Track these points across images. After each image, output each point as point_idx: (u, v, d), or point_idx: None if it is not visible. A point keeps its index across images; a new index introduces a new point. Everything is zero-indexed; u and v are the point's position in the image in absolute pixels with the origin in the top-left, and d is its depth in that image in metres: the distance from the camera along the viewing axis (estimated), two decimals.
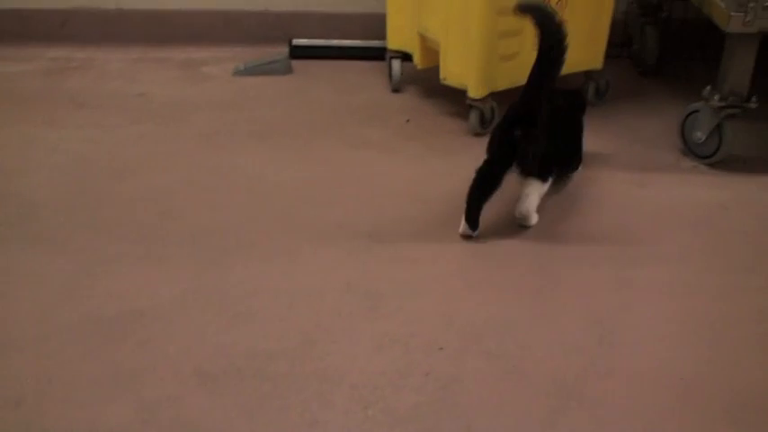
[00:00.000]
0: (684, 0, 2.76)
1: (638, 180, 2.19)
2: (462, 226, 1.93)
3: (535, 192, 1.96)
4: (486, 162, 1.92)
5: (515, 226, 1.98)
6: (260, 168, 2.20)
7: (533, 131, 1.87)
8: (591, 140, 2.36)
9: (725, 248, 1.94)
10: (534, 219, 1.98)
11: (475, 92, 2.32)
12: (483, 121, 2.37)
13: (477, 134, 2.37)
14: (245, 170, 2.19)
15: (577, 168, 2.17)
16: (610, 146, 2.35)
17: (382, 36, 2.63)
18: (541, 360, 1.59)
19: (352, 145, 2.32)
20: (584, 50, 2.47)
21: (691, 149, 2.28)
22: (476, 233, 1.93)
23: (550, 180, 1.99)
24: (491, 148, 1.94)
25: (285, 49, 2.83)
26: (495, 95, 2.36)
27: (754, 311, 1.74)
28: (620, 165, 2.27)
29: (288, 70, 2.75)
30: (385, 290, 1.76)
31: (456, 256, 1.88)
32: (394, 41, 2.60)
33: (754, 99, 2.17)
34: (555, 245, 1.93)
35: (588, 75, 2.55)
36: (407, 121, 2.46)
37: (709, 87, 2.20)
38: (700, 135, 2.23)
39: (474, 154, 2.25)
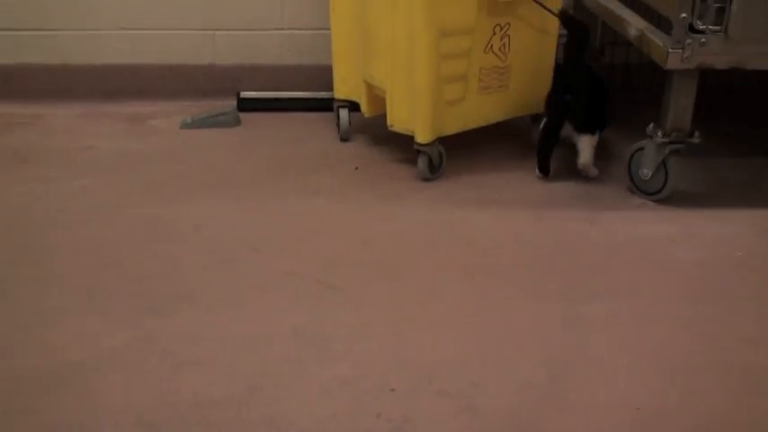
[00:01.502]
0: (626, 44, 2.81)
1: (588, 217, 2.19)
2: (537, 173, 2.38)
3: (588, 144, 2.34)
4: (546, 121, 2.38)
5: (463, 266, 1.96)
6: (207, 218, 2.15)
7: (580, 95, 2.31)
8: (540, 182, 2.37)
9: (675, 280, 1.94)
10: (594, 171, 2.38)
11: (422, 137, 2.31)
12: (432, 167, 2.35)
13: (427, 179, 2.35)
14: (191, 220, 2.14)
15: (606, 127, 2.44)
16: (559, 186, 2.36)
17: (330, 87, 2.63)
18: (495, 397, 1.55)
19: (300, 193, 2.29)
20: (529, 94, 2.49)
21: (638, 186, 2.29)
22: (548, 176, 2.37)
23: (598, 133, 2.36)
24: (549, 111, 2.38)
25: (233, 102, 2.81)
26: (443, 140, 2.35)
27: (707, 340, 1.73)
28: (570, 203, 2.27)
29: (236, 122, 2.73)
30: (334, 333, 1.72)
31: (406, 298, 1.85)
32: (341, 91, 2.59)
33: (696, 134, 2.18)
34: (505, 282, 1.91)
35: (535, 118, 2.56)
36: (356, 168, 2.44)
37: (652, 124, 2.21)
38: (646, 172, 2.24)
39: (423, 198, 2.26)
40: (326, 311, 1.79)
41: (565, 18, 2.37)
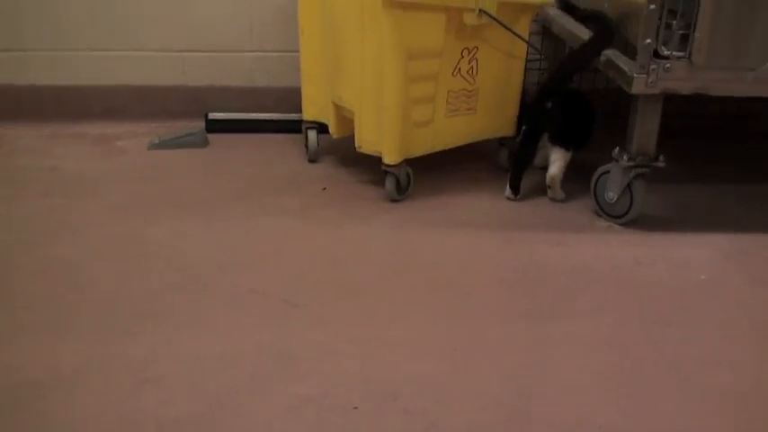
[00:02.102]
0: (593, 71, 2.84)
1: (555, 240, 2.20)
2: (507, 191, 2.39)
3: (561, 158, 2.35)
4: (523, 132, 2.36)
5: (430, 286, 1.96)
6: (173, 238, 2.14)
7: (561, 106, 2.32)
8: (507, 204, 2.39)
9: (639, 301, 1.95)
10: (560, 194, 2.39)
11: (389, 158, 2.32)
12: (399, 187, 2.36)
13: (394, 200, 2.36)
14: (157, 240, 2.13)
15: (582, 148, 2.42)
16: (526, 209, 2.37)
17: (299, 109, 2.63)
18: (459, 415, 1.54)
19: (267, 213, 2.29)
20: (496, 117, 2.51)
21: (604, 210, 2.30)
22: (517, 197, 2.38)
23: (571, 152, 2.36)
24: (527, 120, 2.37)
25: (201, 123, 2.80)
26: (410, 161, 2.36)
27: (670, 361, 1.73)
28: (537, 226, 2.28)
29: (204, 143, 2.72)
30: (299, 352, 1.70)
31: (372, 317, 1.84)
32: (309, 112, 2.60)
33: (661, 158, 2.21)
34: (472, 302, 1.91)
35: (502, 141, 2.58)
36: (324, 189, 2.44)
37: (618, 148, 2.23)
38: (611, 195, 2.26)
39: (390, 219, 2.27)
40: (292, 330, 1.78)
41: (595, 16, 2.35)
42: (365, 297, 1.91)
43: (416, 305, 1.89)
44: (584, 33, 2.43)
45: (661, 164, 2.21)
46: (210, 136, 2.76)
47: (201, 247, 2.10)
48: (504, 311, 1.88)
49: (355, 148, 2.39)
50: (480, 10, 2.26)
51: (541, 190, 2.42)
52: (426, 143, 2.39)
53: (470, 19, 2.27)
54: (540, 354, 1.74)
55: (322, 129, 2.57)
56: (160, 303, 1.85)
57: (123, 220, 2.22)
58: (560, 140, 2.36)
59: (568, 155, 2.37)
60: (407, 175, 2.37)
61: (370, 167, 2.45)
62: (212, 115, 2.83)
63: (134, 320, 1.78)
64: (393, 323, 1.83)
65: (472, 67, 2.38)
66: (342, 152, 2.61)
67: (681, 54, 2.06)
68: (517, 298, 1.94)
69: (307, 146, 2.62)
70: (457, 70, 2.35)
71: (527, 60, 2.53)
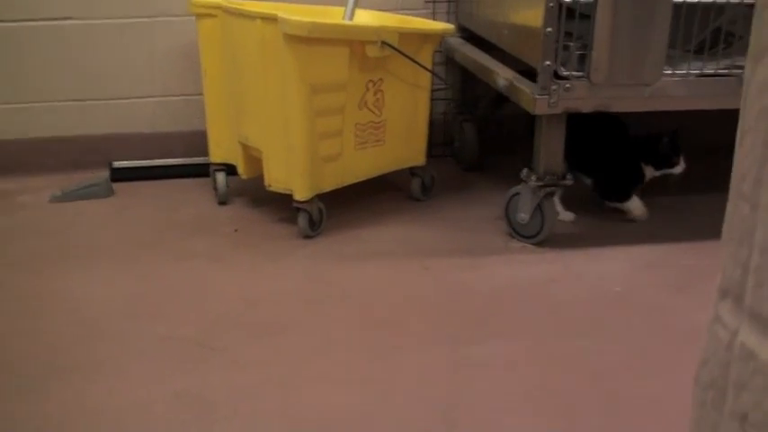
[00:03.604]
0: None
1: (470, 264, 2.22)
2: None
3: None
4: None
5: (349, 319, 1.95)
6: (81, 290, 2.08)
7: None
8: (422, 232, 2.40)
9: (558, 318, 1.97)
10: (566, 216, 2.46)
11: (300, 195, 2.31)
12: (312, 223, 2.35)
13: (308, 236, 2.35)
14: (64, 293, 2.07)
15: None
16: (439, 236, 2.39)
17: (206, 152, 2.61)
18: None
19: (178, 258, 2.25)
20: (405, 148, 2.53)
21: (517, 231, 2.34)
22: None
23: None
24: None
25: (106, 173, 2.75)
26: (322, 196, 2.35)
27: (592, 375, 1.76)
28: (451, 252, 2.29)
29: (109, 193, 2.67)
30: (218, 396, 1.67)
31: (292, 355, 1.82)
32: (216, 154, 2.58)
33: (569, 176, 2.26)
34: (392, 333, 1.90)
35: (413, 171, 2.60)
36: (236, 230, 2.41)
37: (526, 170, 2.28)
38: (523, 216, 2.29)
39: (305, 255, 2.25)
40: (209, 374, 1.74)
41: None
42: (283, 335, 1.89)
43: (336, 340, 1.88)
44: (488, 61, 2.48)
45: (569, 182, 2.26)
46: (116, 185, 2.71)
47: (111, 298, 2.04)
48: (425, 339, 1.88)
49: (265, 188, 2.37)
50: (382, 42, 2.29)
51: (451, 218, 2.44)
52: (337, 177, 2.39)
53: (373, 51, 2.29)
54: (463, 377, 1.74)
55: (231, 170, 2.55)
56: (70, 357, 1.80)
57: (26, 277, 2.15)
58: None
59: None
60: (320, 210, 2.37)
61: (281, 206, 2.44)
62: (116, 164, 2.78)
63: (44, 377, 1.72)
64: (314, 359, 1.81)
65: (378, 98, 2.40)
66: (252, 192, 2.59)
67: (580, 74, 2.12)
68: (437, 325, 1.95)
69: (216, 188, 2.60)
70: (363, 103, 2.37)
71: (433, 90, 2.56)
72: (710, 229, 2.45)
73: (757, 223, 0.59)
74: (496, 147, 2.96)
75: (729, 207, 0.63)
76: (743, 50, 2.04)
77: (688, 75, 2.18)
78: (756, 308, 0.59)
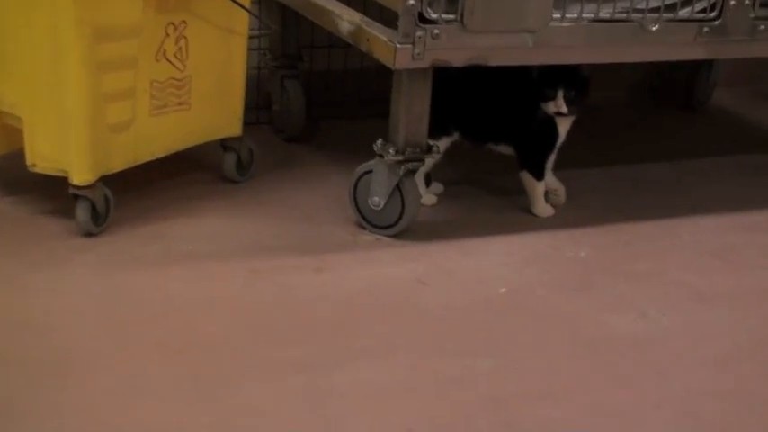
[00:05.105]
0: (327, 47, 2.87)
1: (312, 265, 2.18)
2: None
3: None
4: None
5: (160, 345, 1.87)
6: None
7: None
8: (242, 226, 2.33)
9: (434, 330, 1.97)
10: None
11: (80, 177, 2.18)
12: (96, 216, 2.22)
13: (91, 234, 2.22)
14: None
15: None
16: (266, 228, 2.34)
17: None
18: None
19: None
20: (216, 113, 2.46)
21: (368, 220, 2.31)
22: None
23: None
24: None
25: None
26: (108, 180, 2.24)
27: (486, 400, 1.76)
28: (287, 249, 2.25)
29: None
30: None
31: (82, 401, 1.70)
32: None
33: (436, 148, 2.25)
34: (219, 359, 1.84)
35: (226, 144, 2.52)
36: None
37: (380, 140, 2.24)
38: (377, 200, 2.26)
39: (90, 260, 2.13)
40: None
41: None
42: (71, 374, 1.76)
43: (146, 374, 1.78)
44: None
45: (436, 155, 2.26)
46: None
47: None
48: (272, 365, 1.82)
49: (27, 168, 2.24)
50: None
51: (278, 204, 2.40)
52: (128, 153, 2.28)
53: None
54: (327, 413, 1.70)
55: None
56: None
57: None
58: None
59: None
60: (106, 198, 2.24)
61: (51, 193, 2.30)
62: None
63: None
64: (118, 403, 1.69)
65: (181, 47, 2.32)
66: (6, 175, 2.43)
67: (450, 17, 2.11)
68: (284, 346, 1.89)
69: None
70: (161, 53, 2.27)
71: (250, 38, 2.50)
72: (603, 211, 2.55)
73: None
74: (326, 111, 2.94)
75: None
76: None
77: (580, 20, 2.22)
78: None
